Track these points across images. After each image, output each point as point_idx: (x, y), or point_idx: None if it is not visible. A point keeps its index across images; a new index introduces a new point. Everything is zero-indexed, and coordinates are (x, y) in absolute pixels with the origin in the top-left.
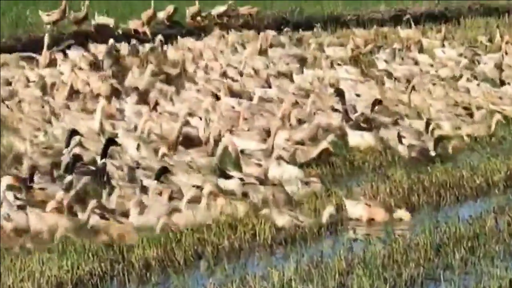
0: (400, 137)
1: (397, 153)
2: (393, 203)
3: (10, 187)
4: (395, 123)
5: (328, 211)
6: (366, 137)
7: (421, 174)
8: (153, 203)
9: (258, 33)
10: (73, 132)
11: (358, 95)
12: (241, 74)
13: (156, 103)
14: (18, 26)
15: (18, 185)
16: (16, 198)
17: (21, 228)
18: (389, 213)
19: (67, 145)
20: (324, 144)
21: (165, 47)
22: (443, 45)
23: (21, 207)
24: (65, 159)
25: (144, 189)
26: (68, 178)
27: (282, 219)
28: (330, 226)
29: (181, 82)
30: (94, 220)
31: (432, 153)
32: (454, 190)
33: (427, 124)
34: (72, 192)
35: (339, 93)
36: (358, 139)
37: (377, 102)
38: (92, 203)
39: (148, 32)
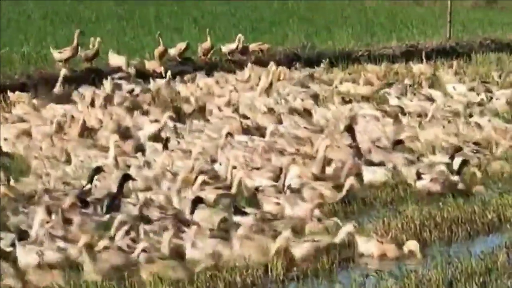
0: (419, 175)
1: (409, 188)
2: (405, 239)
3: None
4: (413, 160)
5: (345, 229)
6: (380, 173)
7: (433, 210)
8: (204, 239)
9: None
10: (98, 169)
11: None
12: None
13: (167, 141)
14: (30, 63)
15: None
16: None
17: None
18: (401, 249)
19: (90, 181)
20: (350, 180)
21: (176, 83)
22: (455, 81)
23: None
24: (105, 198)
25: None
26: (120, 217)
27: (300, 250)
28: (342, 262)
29: (193, 119)
30: (142, 257)
31: (460, 186)
32: (466, 226)
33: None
34: (121, 232)
35: (350, 130)
36: (372, 175)
37: (399, 142)
38: (143, 244)
39: (163, 72)
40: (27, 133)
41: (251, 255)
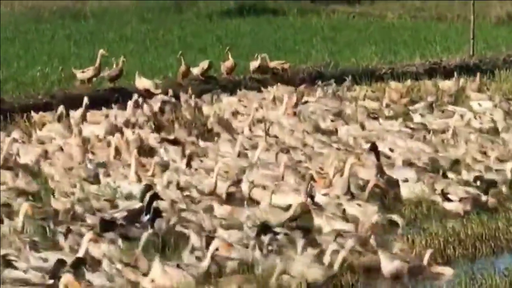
0: (444, 194)
1: (433, 206)
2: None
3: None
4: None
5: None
6: (417, 189)
7: (457, 226)
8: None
9: (294, 87)
10: (148, 187)
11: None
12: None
13: (190, 158)
14: (54, 84)
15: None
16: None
17: None
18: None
19: (142, 199)
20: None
21: (200, 102)
22: (481, 98)
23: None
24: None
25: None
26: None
27: (313, 274)
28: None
29: (218, 137)
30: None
31: (491, 204)
32: (490, 242)
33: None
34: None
35: (373, 148)
36: (409, 191)
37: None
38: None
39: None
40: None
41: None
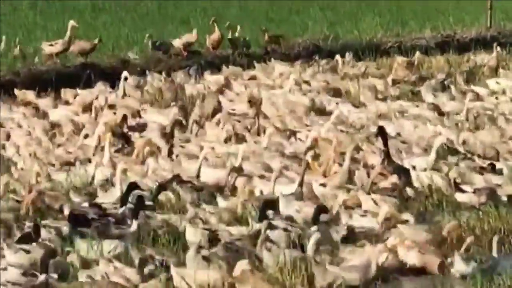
0: (456, 184)
1: (444, 197)
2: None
3: None
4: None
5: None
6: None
7: (472, 220)
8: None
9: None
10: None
11: None
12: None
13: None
14: (17, 61)
15: None
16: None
17: None
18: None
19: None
20: None
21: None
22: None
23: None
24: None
25: None
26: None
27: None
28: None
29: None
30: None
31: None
32: (509, 238)
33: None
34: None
35: (381, 132)
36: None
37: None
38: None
39: None
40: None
41: None
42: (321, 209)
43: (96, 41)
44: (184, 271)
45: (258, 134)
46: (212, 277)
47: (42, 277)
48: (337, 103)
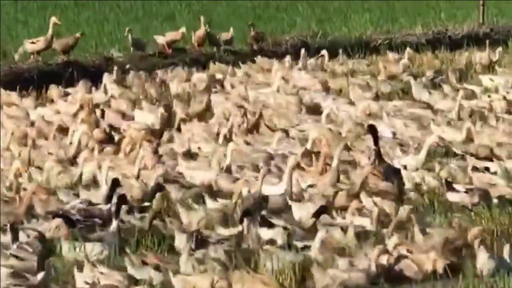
0: (448, 184)
1: (436, 197)
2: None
3: None
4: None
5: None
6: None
7: (464, 222)
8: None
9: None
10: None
11: None
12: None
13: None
14: None
15: None
16: None
17: None
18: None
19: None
20: None
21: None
22: (490, 72)
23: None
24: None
25: None
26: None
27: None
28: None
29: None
30: None
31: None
32: (502, 240)
33: None
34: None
35: (372, 131)
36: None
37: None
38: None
39: None
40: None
41: None
42: (323, 209)
43: (78, 34)
44: (184, 278)
45: (247, 134)
46: (208, 280)
47: (40, 275)
48: (334, 99)
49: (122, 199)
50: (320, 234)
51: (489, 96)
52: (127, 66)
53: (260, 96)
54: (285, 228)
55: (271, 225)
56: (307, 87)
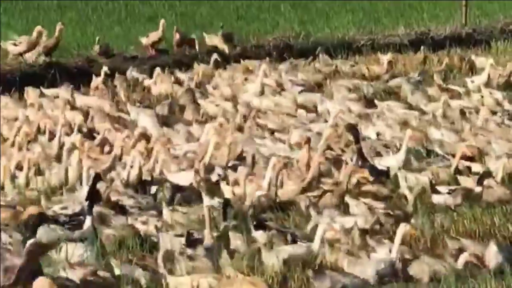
0: (433, 185)
1: (418, 198)
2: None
3: None
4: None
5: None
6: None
7: (446, 222)
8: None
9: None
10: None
11: None
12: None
13: None
14: None
15: None
16: None
17: None
18: None
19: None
20: None
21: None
22: (472, 73)
23: None
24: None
25: None
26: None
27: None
28: None
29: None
30: None
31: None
32: (484, 241)
33: None
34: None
35: (352, 130)
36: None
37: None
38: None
39: None
40: None
41: None
42: None
43: (58, 29)
44: (179, 279)
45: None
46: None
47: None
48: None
49: (96, 195)
50: (322, 227)
51: (472, 97)
52: (106, 69)
53: (247, 97)
54: (280, 231)
55: (266, 228)
56: (293, 89)
